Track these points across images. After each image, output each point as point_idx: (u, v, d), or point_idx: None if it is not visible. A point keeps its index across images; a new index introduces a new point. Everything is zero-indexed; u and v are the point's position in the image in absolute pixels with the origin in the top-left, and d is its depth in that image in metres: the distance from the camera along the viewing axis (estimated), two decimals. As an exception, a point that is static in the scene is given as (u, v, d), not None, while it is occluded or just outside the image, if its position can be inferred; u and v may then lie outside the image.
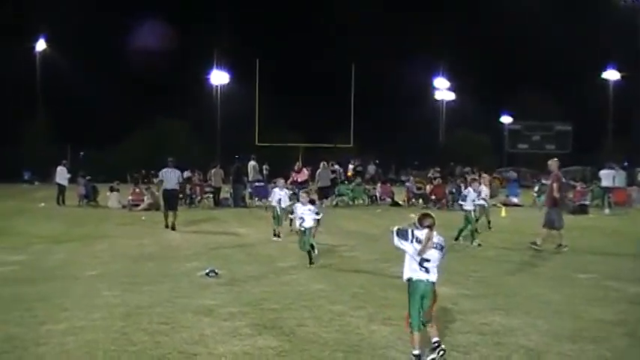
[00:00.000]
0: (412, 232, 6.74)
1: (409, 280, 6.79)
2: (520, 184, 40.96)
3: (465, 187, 19.77)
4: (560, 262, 13.68)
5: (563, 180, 17.46)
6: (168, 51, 63.01)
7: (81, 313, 8.90)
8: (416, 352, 6.73)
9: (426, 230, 6.72)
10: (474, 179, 16.91)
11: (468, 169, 37.05)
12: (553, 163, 16.41)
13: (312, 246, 13.51)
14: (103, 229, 20.37)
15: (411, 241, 6.69)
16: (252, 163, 34.02)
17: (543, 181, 36.04)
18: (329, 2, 71.78)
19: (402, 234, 6.74)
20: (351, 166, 34.33)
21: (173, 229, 19.93)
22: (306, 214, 13.73)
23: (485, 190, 20.65)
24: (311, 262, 13.10)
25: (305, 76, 62.23)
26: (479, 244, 16.24)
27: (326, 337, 7.76)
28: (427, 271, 6.74)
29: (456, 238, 16.61)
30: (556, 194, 15.77)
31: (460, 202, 18.04)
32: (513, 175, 55.22)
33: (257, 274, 11.83)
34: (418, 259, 6.70)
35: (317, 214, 14.14)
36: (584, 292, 10.50)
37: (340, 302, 9.60)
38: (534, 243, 15.56)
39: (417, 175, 40.60)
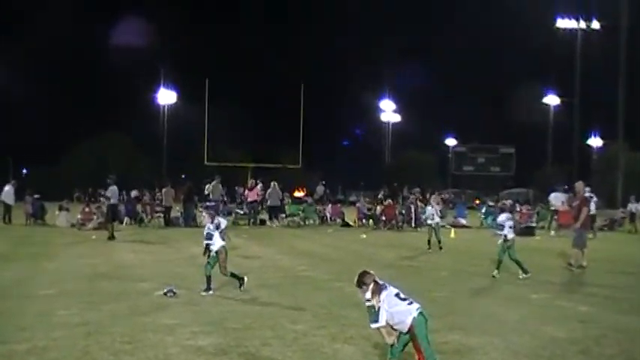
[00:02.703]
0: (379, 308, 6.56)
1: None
2: (466, 206, 41.61)
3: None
4: (511, 283, 13.97)
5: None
6: (115, 66, 62.53)
7: (41, 332, 8.77)
8: None
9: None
10: (513, 204, 15.23)
11: (416, 189, 37.52)
12: (579, 186, 16.73)
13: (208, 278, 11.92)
14: (54, 247, 20.09)
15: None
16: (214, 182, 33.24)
17: (490, 203, 36.84)
18: (276, 25, 72.40)
19: (374, 315, 6.58)
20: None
21: (113, 237, 22.49)
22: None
23: (433, 211, 21.06)
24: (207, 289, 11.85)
25: (254, 96, 62.33)
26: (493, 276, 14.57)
27: (291, 356, 7.81)
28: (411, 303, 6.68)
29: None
30: (585, 215, 16.07)
31: (497, 231, 15.22)
32: (450, 196, 56.16)
33: (214, 293, 11.80)
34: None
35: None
36: (538, 311, 10.80)
37: (301, 321, 9.66)
38: (570, 264, 15.98)
39: (366, 195, 40.98)
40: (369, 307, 6.60)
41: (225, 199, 34.56)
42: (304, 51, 73.49)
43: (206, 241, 12.09)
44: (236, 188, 35.50)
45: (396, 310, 6.53)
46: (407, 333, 6.55)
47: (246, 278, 12.08)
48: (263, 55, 74.37)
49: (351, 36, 73.42)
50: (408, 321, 6.51)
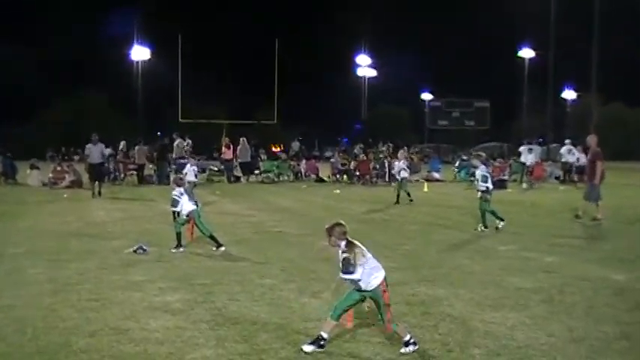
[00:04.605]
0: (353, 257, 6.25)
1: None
2: (441, 160, 41.83)
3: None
4: (481, 235, 14.13)
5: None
6: (88, 24, 61.47)
7: (8, 291, 8.76)
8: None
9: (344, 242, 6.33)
10: (478, 155, 15.54)
11: (389, 144, 37.64)
12: (591, 139, 16.64)
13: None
14: (25, 206, 19.97)
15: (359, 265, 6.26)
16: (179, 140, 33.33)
17: (463, 157, 37.05)
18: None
19: (348, 266, 6.25)
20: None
21: (99, 195, 22.91)
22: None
23: (401, 165, 21.22)
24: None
25: (228, 51, 61.70)
26: (480, 229, 14.63)
27: (258, 310, 7.85)
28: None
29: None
30: (601, 169, 16.06)
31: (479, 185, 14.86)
32: (427, 151, 56.22)
33: (185, 250, 11.83)
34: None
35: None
36: (504, 262, 10.94)
37: (270, 276, 9.70)
38: (595, 218, 16.06)
39: (341, 151, 41.00)
40: (344, 257, 6.25)
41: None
42: (279, 4, 72.62)
43: (171, 208, 12.18)
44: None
45: (370, 265, 6.34)
46: (361, 291, 6.37)
47: (223, 248, 11.78)
48: (236, 9, 73.31)
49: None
50: (380, 277, 6.37)
